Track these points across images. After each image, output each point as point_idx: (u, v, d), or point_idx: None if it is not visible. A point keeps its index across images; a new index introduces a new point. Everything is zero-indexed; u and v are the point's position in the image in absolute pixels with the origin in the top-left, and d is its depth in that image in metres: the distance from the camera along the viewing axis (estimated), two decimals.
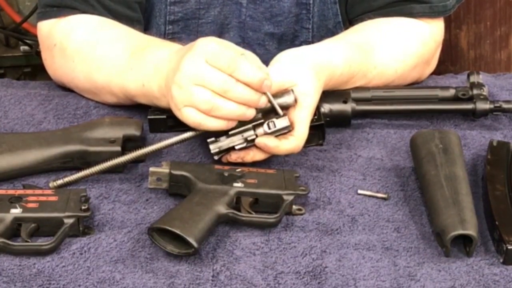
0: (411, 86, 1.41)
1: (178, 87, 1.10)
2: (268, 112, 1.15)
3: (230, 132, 1.15)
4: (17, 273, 1.00)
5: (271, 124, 1.14)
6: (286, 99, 1.15)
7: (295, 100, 1.14)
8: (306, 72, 1.18)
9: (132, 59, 1.24)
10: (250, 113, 1.11)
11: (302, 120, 1.15)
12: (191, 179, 1.11)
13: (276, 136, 1.15)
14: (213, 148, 1.15)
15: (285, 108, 1.15)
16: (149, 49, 1.22)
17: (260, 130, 1.14)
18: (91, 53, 1.29)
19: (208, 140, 1.16)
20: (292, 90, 1.14)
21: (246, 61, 1.09)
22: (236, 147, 1.15)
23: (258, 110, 1.13)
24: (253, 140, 1.15)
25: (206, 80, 1.08)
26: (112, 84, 1.27)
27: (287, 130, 1.15)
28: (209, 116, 1.10)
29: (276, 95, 1.14)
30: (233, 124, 1.12)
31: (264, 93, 1.11)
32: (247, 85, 1.09)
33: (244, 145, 1.15)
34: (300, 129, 1.15)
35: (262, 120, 1.14)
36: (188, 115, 1.10)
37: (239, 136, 1.15)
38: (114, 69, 1.26)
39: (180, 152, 1.23)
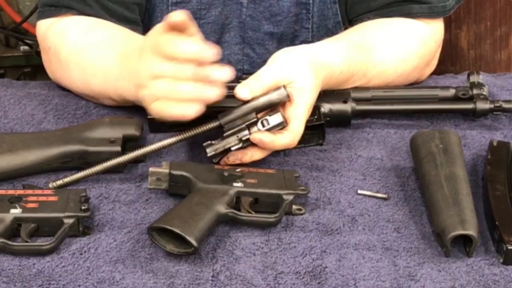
0: (411, 86, 1.41)
1: (141, 88, 1.11)
2: (262, 111, 1.15)
3: (224, 134, 1.15)
4: (17, 273, 1.00)
5: (264, 122, 1.14)
6: (278, 96, 1.14)
7: (288, 96, 1.14)
8: (303, 69, 1.18)
9: (123, 67, 1.23)
10: (213, 93, 1.08)
11: (297, 115, 1.15)
12: (191, 179, 1.11)
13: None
14: (210, 151, 1.15)
15: (279, 104, 1.15)
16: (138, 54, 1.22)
17: (254, 129, 1.14)
18: (82, 59, 1.29)
19: (204, 144, 1.16)
20: (284, 86, 1.14)
21: (184, 40, 1.08)
22: (232, 148, 1.15)
23: (253, 110, 1.14)
24: (248, 139, 1.15)
25: (160, 71, 1.09)
26: (108, 91, 1.27)
27: (281, 126, 1.14)
28: (177, 103, 1.09)
29: (268, 92, 1.14)
30: (196, 110, 1.08)
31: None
32: (193, 61, 1.08)
33: (240, 145, 1.15)
34: (295, 124, 1.15)
35: (255, 119, 1.14)
36: (157, 109, 1.10)
37: (234, 137, 1.15)
38: (107, 77, 1.25)
39: (180, 152, 1.23)
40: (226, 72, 1.08)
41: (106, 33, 1.31)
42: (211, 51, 1.08)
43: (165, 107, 1.09)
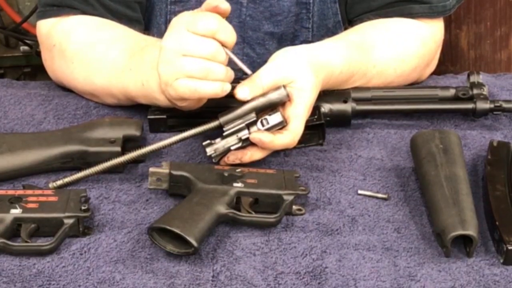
0: (411, 86, 1.41)
1: (165, 64, 1.11)
2: (262, 111, 1.15)
3: (224, 134, 1.15)
4: (17, 273, 1.00)
5: (264, 122, 1.14)
6: (278, 95, 1.14)
7: (288, 96, 1.14)
8: (304, 68, 1.18)
9: (131, 59, 1.24)
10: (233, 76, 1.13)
11: (297, 115, 1.15)
12: (191, 179, 1.11)
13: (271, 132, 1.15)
14: (209, 150, 1.15)
15: (279, 104, 1.15)
16: (147, 49, 1.22)
17: (254, 128, 1.14)
18: (89, 54, 1.29)
19: (204, 143, 1.16)
20: (284, 86, 1.14)
21: (223, 22, 1.10)
22: (232, 148, 1.15)
23: (252, 109, 1.14)
24: (248, 139, 1.15)
25: (194, 48, 1.09)
26: (111, 86, 1.27)
27: (281, 126, 1.15)
28: (203, 80, 1.10)
29: (268, 92, 1.14)
30: (227, 88, 1.11)
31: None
32: (227, 46, 1.10)
33: (240, 144, 1.15)
34: (294, 124, 1.15)
35: (255, 118, 1.14)
36: (180, 86, 1.10)
37: (233, 137, 1.15)
38: (113, 71, 1.26)
39: (180, 152, 1.23)
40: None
41: (114, 32, 1.31)
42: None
43: (195, 85, 1.10)
